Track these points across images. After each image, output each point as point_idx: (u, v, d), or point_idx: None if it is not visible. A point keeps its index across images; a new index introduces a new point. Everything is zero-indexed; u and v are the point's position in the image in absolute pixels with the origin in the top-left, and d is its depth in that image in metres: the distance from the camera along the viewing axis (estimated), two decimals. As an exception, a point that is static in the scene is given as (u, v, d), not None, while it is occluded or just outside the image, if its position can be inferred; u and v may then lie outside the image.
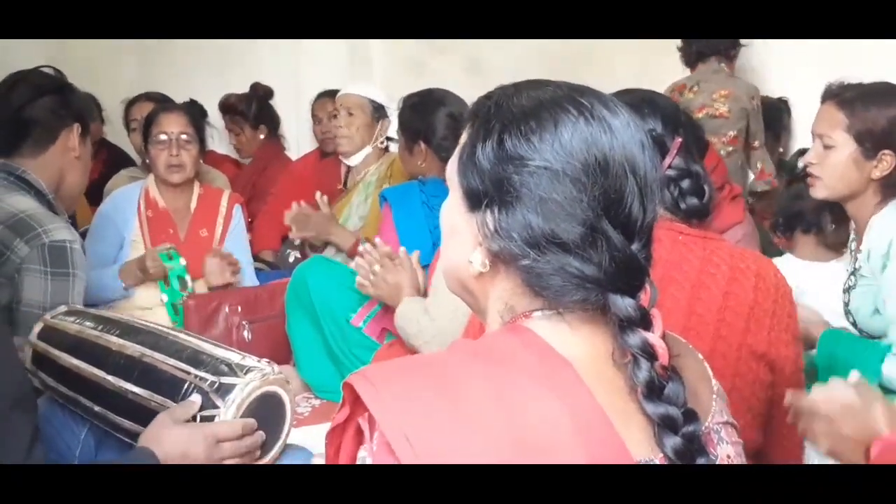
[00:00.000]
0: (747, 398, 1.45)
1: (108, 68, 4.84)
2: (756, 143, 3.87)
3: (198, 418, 1.45)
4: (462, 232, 0.97)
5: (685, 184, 1.50)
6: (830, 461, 1.47)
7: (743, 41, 3.90)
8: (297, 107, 4.74)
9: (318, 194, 3.23)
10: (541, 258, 0.90)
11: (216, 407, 1.45)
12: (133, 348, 1.56)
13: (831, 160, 2.17)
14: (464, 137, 0.98)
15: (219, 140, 4.44)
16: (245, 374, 1.48)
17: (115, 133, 4.48)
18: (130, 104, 4.05)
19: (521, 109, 0.93)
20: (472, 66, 4.61)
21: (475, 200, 0.94)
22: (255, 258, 3.57)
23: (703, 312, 1.44)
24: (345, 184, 3.57)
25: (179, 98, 3.99)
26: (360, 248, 2.69)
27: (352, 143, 3.38)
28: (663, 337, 0.91)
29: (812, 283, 2.56)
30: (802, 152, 2.62)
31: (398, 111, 3.07)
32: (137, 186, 3.19)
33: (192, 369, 1.49)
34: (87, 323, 1.67)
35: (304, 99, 4.59)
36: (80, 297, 2.03)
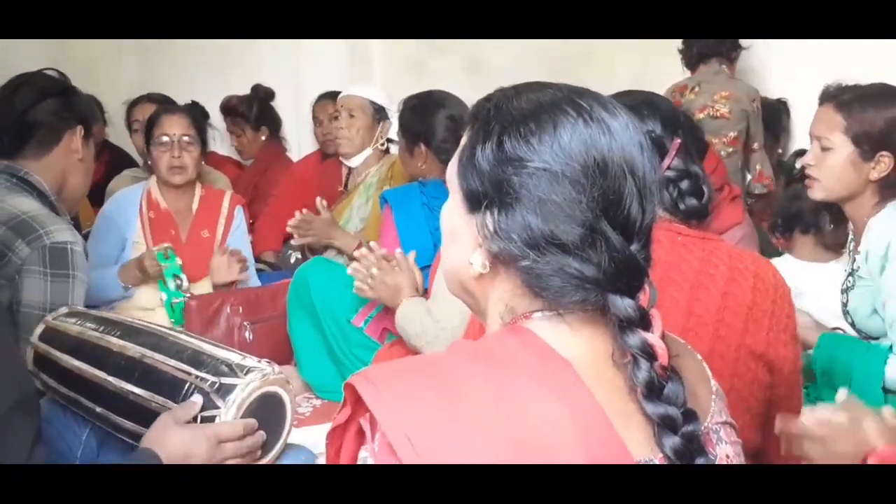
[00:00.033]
0: (746, 398, 1.46)
1: (109, 68, 4.84)
2: (755, 146, 3.87)
3: (199, 419, 1.46)
4: (462, 233, 0.97)
5: (684, 185, 1.50)
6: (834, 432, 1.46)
7: (743, 44, 3.90)
8: (298, 108, 4.74)
9: (318, 199, 3.23)
10: (540, 259, 0.90)
11: (217, 407, 1.46)
12: (134, 349, 1.56)
13: (829, 162, 2.18)
14: (464, 140, 0.98)
15: (220, 141, 4.44)
16: (245, 374, 1.48)
17: (117, 134, 4.48)
18: (132, 105, 4.05)
19: (520, 111, 0.93)
20: (472, 67, 4.61)
21: (475, 202, 0.95)
22: (257, 259, 3.58)
23: (702, 313, 1.44)
24: (345, 185, 3.57)
25: (180, 98, 3.99)
26: (355, 253, 2.70)
27: (352, 144, 3.39)
28: (662, 337, 0.92)
29: (811, 283, 2.57)
30: (801, 153, 2.63)
31: (398, 113, 3.07)
32: (139, 188, 3.20)
33: (192, 370, 1.49)
34: (89, 324, 1.67)
35: (305, 100, 4.59)
36: (80, 299, 2.03)
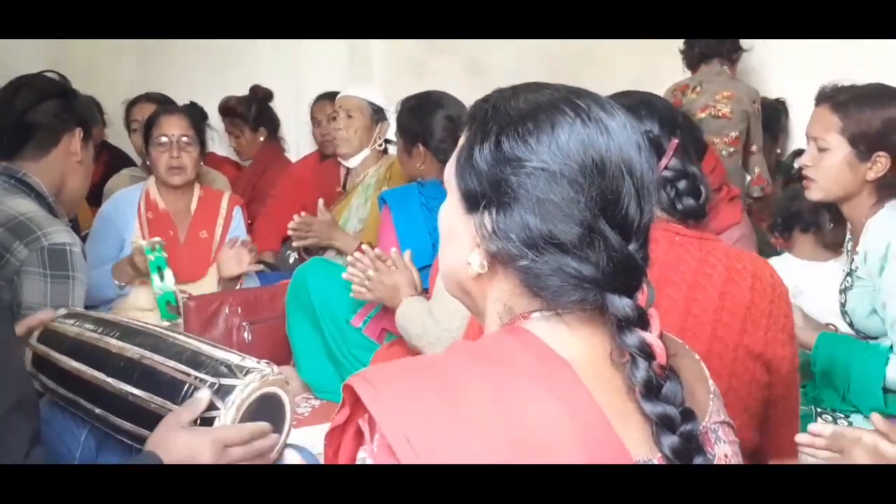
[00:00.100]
0: (744, 398, 1.46)
1: (108, 68, 4.85)
2: (754, 148, 3.87)
3: (198, 420, 1.45)
4: (460, 234, 0.97)
5: (682, 185, 1.50)
6: (827, 461, 1.48)
7: (745, 45, 3.90)
8: (297, 108, 4.74)
9: (320, 202, 3.23)
10: (539, 259, 0.90)
11: (216, 408, 1.45)
12: (133, 350, 1.56)
13: (826, 162, 2.18)
14: (461, 140, 0.98)
15: (219, 142, 4.44)
16: (245, 375, 1.47)
17: (116, 134, 4.49)
18: (131, 105, 4.05)
19: (518, 112, 0.93)
20: (472, 67, 4.61)
21: (473, 202, 0.95)
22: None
23: (700, 313, 1.44)
24: (344, 186, 3.57)
25: (179, 98, 3.99)
26: (348, 258, 2.69)
27: (350, 145, 3.39)
28: (660, 337, 0.92)
29: (810, 282, 2.57)
30: (799, 153, 2.63)
31: (396, 114, 3.07)
32: (138, 188, 3.20)
33: (191, 371, 1.49)
34: (87, 325, 1.67)
35: (304, 100, 4.59)
36: (80, 300, 2.03)
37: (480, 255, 0.95)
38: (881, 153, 2.13)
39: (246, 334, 2.94)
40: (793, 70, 4.01)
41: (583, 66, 4.21)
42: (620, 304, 0.90)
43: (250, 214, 3.70)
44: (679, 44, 3.93)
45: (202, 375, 1.48)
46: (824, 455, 1.48)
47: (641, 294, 0.93)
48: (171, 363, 1.51)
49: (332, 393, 2.83)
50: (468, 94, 1.25)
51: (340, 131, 3.39)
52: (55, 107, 2.16)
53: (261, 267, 3.18)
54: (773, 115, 4.09)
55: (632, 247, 0.92)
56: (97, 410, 1.57)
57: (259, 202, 4.13)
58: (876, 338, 2.21)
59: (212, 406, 1.45)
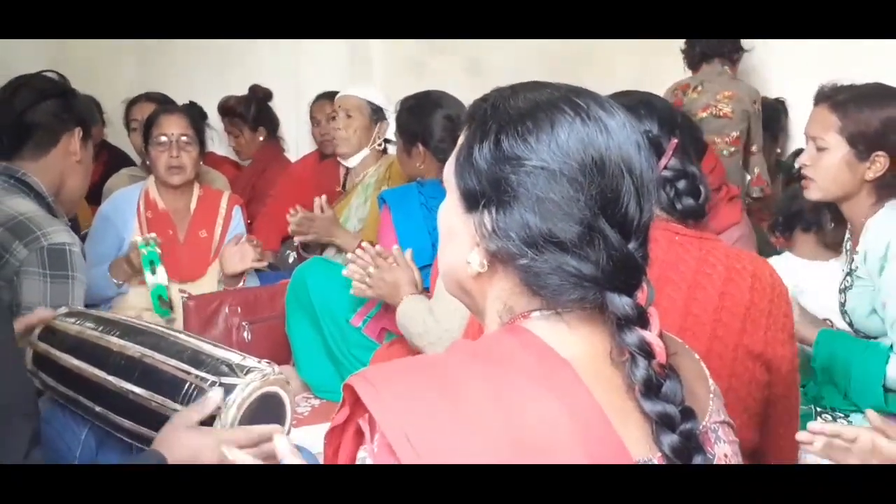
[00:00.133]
0: (743, 398, 1.46)
1: (108, 68, 4.85)
2: (754, 148, 3.87)
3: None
4: (460, 233, 0.97)
5: (681, 184, 1.50)
6: (826, 461, 1.48)
7: (746, 46, 3.90)
8: (297, 108, 4.74)
9: (317, 198, 3.23)
10: (538, 257, 0.91)
11: (217, 407, 1.45)
12: (134, 349, 1.56)
13: (824, 162, 2.18)
14: (461, 139, 0.98)
15: (218, 142, 4.44)
16: (245, 374, 1.48)
17: (116, 133, 4.49)
18: (131, 104, 4.05)
19: (517, 111, 0.93)
20: (472, 67, 4.61)
21: (472, 201, 0.95)
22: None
23: (700, 313, 1.44)
24: (343, 186, 3.57)
25: (179, 98, 3.99)
26: (349, 256, 2.69)
27: (350, 144, 3.39)
28: (660, 336, 0.92)
29: (811, 281, 2.57)
30: (799, 153, 2.63)
31: (396, 114, 3.07)
32: (137, 188, 3.20)
33: (192, 370, 1.49)
34: (88, 324, 1.67)
35: (304, 100, 4.59)
36: (80, 300, 2.03)
37: (480, 254, 0.95)
38: (880, 153, 2.13)
39: (245, 334, 2.94)
40: (793, 70, 4.01)
41: (583, 66, 4.21)
42: (620, 302, 0.90)
43: (250, 214, 3.70)
44: (679, 44, 3.93)
45: (203, 374, 1.48)
46: (819, 447, 1.48)
47: (641, 293, 0.93)
48: (172, 362, 1.51)
49: (331, 392, 2.83)
50: (468, 94, 1.25)
51: (340, 131, 3.39)
52: (54, 106, 2.17)
53: (267, 263, 3.17)
54: (773, 114, 4.09)
55: (631, 245, 0.92)
56: (97, 408, 1.57)
57: (258, 202, 4.13)
58: (876, 337, 2.22)
59: (212, 405, 1.45)
